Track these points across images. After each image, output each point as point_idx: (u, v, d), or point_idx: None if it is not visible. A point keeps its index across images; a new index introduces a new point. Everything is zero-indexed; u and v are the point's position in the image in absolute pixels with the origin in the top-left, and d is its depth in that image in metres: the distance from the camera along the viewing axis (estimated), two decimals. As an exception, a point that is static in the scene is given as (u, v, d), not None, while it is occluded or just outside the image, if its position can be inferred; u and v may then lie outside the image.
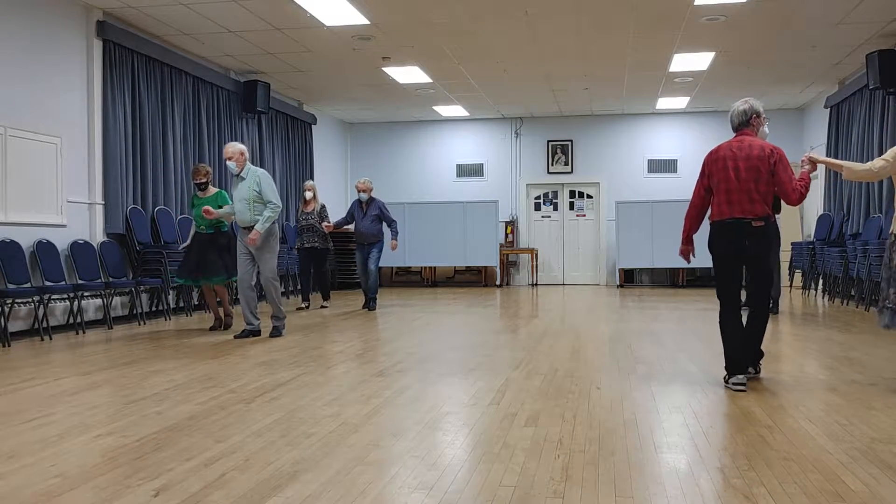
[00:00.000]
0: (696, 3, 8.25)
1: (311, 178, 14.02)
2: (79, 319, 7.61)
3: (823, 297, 11.11)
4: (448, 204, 14.97)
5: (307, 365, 5.51)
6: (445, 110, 14.78)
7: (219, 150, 10.67)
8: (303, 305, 10.13)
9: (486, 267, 15.34)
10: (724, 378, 4.67)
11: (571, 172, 15.61)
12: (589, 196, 15.75)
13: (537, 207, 15.92)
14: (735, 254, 4.64)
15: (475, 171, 15.91)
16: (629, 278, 15.12)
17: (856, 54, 10.31)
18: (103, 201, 8.54)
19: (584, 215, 15.78)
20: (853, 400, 4.19)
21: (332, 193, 14.77)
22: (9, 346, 6.63)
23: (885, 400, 4.20)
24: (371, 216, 9.90)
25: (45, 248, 7.49)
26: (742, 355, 4.63)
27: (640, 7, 8.45)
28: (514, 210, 15.71)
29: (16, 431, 3.64)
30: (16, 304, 7.11)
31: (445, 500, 2.65)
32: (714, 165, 4.73)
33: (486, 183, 15.81)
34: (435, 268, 15.45)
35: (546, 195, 15.90)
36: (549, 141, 15.63)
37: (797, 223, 13.84)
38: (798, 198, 4.57)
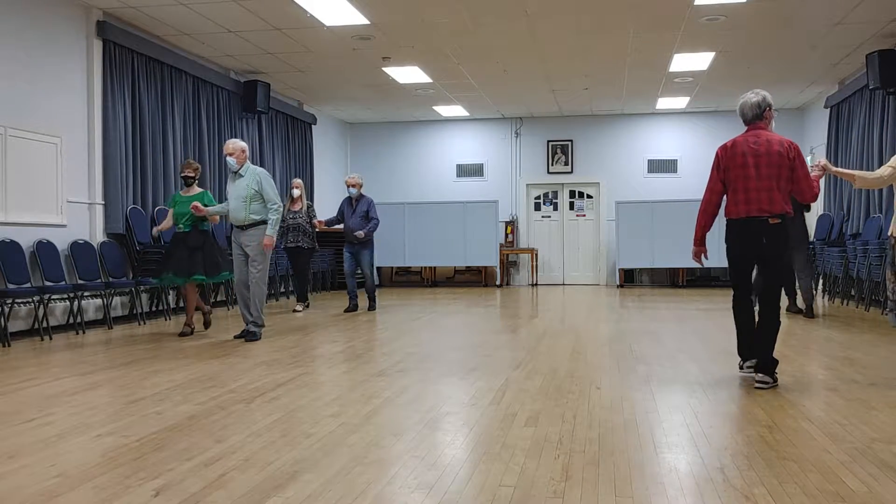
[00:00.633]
0: (696, 3, 8.25)
1: (311, 178, 14.03)
2: (79, 319, 7.61)
3: (823, 297, 11.11)
4: (448, 204, 14.97)
5: (307, 365, 5.51)
6: (445, 110, 14.78)
7: (219, 150, 10.67)
8: (299, 308, 9.78)
9: (486, 267, 15.34)
10: (739, 364, 4.85)
11: (571, 172, 15.61)
12: (589, 196, 15.75)
13: (537, 207, 15.92)
14: (751, 251, 4.64)
15: (475, 171, 15.91)
16: (629, 278, 15.12)
17: (856, 54, 10.31)
18: (103, 201, 8.54)
19: (584, 215, 15.78)
20: (853, 400, 4.19)
21: (331, 193, 14.76)
22: (9, 346, 6.63)
23: (885, 400, 4.20)
24: (360, 213, 9.64)
25: (45, 248, 7.49)
26: (752, 340, 4.70)
27: (640, 7, 8.45)
28: (514, 210, 15.71)
29: (16, 431, 3.64)
30: (16, 304, 7.11)
31: (445, 500, 2.65)
32: (732, 161, 4.63)
33: (486, 183, 15.81)
34: (435, 268, 15.45)
35: (546, 195, 15.90)
36: (549, 141, 15.63)
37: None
38: (813, 196, 4.59)
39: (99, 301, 8.11)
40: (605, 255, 15.48)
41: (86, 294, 7.87)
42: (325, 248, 13.20)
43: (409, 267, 15.55)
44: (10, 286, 6.93)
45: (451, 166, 15.97)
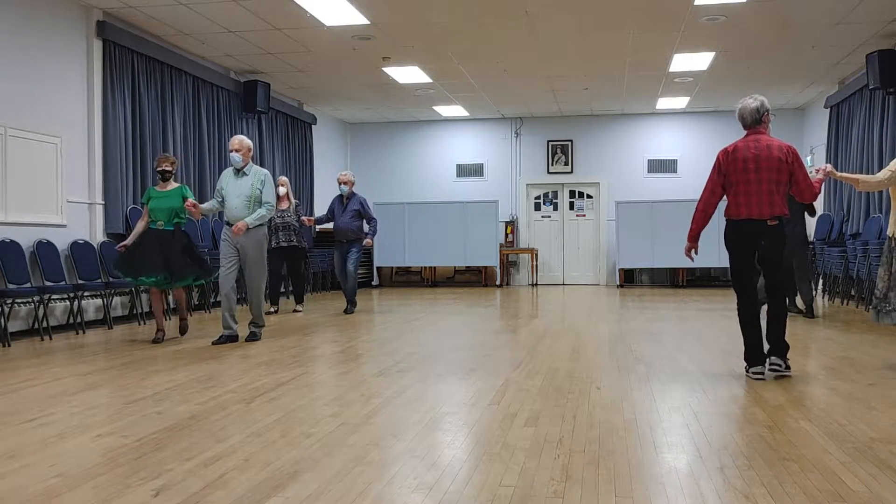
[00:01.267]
0: (696, 3, 8.26)
1: (311, 178, 14.03)
2: (79, 319, 7.61)
3: (823, 297, 11.11)
4: (448, 204, 14.97)
5: (307, 365, 5.51)
6: (445, 110, 14.78)
7: (219, 150, 10.67)
8: (272, 310, 9.36)
9: (486, 267, 15.35)
10: (745, 368, 4.89)
11: (571, 172, 15.61)
12: (589, 196, 15.75)
13: (537, 207, 15.92)
14: (750, 250, 4.80)
15: (475, 171, 15.91)
16: (629, 278, 15.12)
17: (856, 54, 10.31)
18: (103, 201, 8.54)
19: (584, 215, 15.78)
20: (853, 400, 4.19)
21: (331, 193, 14.62)
22: (9, 346, 6.63)
23: (885, 400, 4.20)
24: (351, 211, 9.30)
25: (45, 248, 7.50)
26: (760, 347, 4.80)
27: (640, 7, 8.45)
28: (514, 210, 15.71)
29: (16, 431, 3.64)
30: (16, 304, 7.11)
31: (445, 500, 2.65)
32: (733, 165, 4.77)
33: (486, 183, 15.81)
34: (435, 268, 15.45)
35: (546, 195, 15.90)
36: (549, 141, 15.63)
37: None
38: (812, 196, 4.77)
39: (99, 301, 8.11)
40: (605, 255, 15.49)
41: (86, 294, 7.87)
42: (330, 247, 13.13)
43: (409, 267, 15.55)
44: (10, 286, 6.93)
45: (451, 166, 15.97)
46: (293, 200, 9.77)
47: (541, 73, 11.57)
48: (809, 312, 8.42)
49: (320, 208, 13.15)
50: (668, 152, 15.27)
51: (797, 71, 11.50)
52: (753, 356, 4.83)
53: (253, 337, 6.80)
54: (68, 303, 7.73)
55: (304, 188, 13.74)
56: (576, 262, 15.81)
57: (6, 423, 3.82)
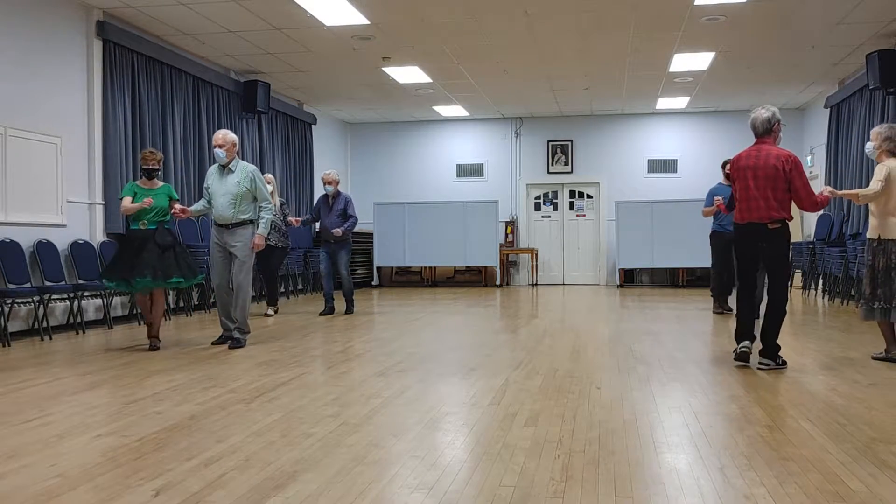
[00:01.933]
0: (696, 3, 8.26)
1: (311, 178, 14.02)
2: (79, 319, 7.61)
3: (823, 297, 11.11)
4: (448, 204, 14.97)
5: (307, 365, 5.51)
6: (445, 110, 14.78)
7: (219, 150, 10.65)
8: (269, 311, 9.22)
9: (486, 267, 15.34)
10: (733, 349, 5.28)
11: (571, 172, 15.61)
12: (589, 196, 15.75)
13: (537, 207, 15.92)
14: (750, 251, 5.21)
15: (475, 171, 15.91)
16: (629, 278, 15.12)
17: (856, 54, 10.31)
18: (103, 201, 8.54)
19: (584, 215, 15.78)
20: (853, 400, 4.19)
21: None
22: (9, 346, 6.63)
23: (885, 400, 4.20)
24: (337, 211, 9.12)
25: (45, 248, 7.49)
26: (748, 326, 5.23)
27: (640, 7, 8.45)
28: (514, 210, 15.71)
29: (16, 431, 3.64)
30: (16, 304, 7.10)
31: (445, 500, 2.65)
32: (736, 173, 5.22)
33: (486, 183, 15.81)
34: (435, 268, 15.45)
35: (546, 195, 15.90)
36: (549, 141, 15.63)
37: (797, 223, 13.84)
38: (811, 204, 5.10)
39: (99, 301, 8.11)
40: (605, 255, 15.48)
41: (86, 294, 7.87)
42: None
43: (409, 267, 15.55)
44: (10, 286, 6.93)
45: (451, 166, 15.97)
46: (279, 199, 9.44)
47: (541, 73, 11.57)
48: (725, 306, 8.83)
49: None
50: (668, 152, 15.27)
51: (797, 71, 11.50)
52: (739, 335, 5.25)
53: (237, 344, 6.41)
54: (68, 303, 7.73)
55: (304, 188, 13.74)
56: (576, 262, 15.81)
57: (6, 423, 3.81)
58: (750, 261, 5.25)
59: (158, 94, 9.47)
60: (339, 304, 9.60)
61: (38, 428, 3.70)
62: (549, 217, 15.89)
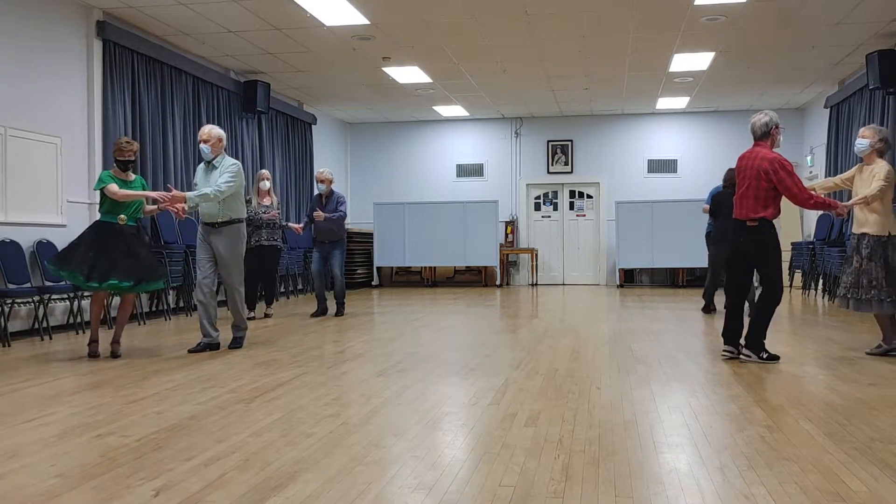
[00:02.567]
0: (696, 3, 8.26)
1: (312, 178, 14.01)
2: (78, 319, 7.61)
3: (823, 297, 11.11)
4: (448, 204, 14.97)
5: (307, 365, 5.51)
6: (445, 110, 14.78)
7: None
8: (270, 312, 9.05)
9: (486, 267, 15.34)
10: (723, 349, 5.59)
11: (571, 172, 15.61)
12: (589, 196, 15.75)
13: (537, 207, 15.92)
14: (736, 247, 5.48)
15: (475, 171, 15.91)
16: (629, 278, 15.12)
17: (856, 54, 10.31)
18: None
19: (584, 215, 15.78)
20: (853, 400, 4.19)
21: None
22: (9, 346, 6.63)
23: (885, 400, 4.20)
24: (331, 210, 8.95)
25: (45, 248, 7.49)
26: (732, 330, 5.49)
27: (640, 7, 8.45)
28: (514, 210, 15.71)
29: (16, 431, 3.64)
30: (16, 304, 7.11)
31: (445, 500, 2.65)
32: (737, 173, 5.55)
33: (486, 183, 15.81)
34: (435, 268, 15.45)
35: (546, 195, 15.90)
36: (549, 141, 15.63)
37: (797, 223, 13.84)
38: (805, 200, 5.29)
39: (99, 301, 8.10)
40: (605, 255, 15.48)
41: (86, 294, 7.86)
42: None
43: (410, 267, 15.55)
44: (10, 286, 6.93)
45: (451, 166, 15.97)
46: (275, 197, 9.28)
47: (541, 73, 11.57)
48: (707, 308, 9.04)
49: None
50: (668, 152, 15.27)
51: (797, 71, 11.50)
52: (725, 335, 5.53)
53: (236, 343, 6.32)
54: (68, 303, 7.73)
55: (303, 188, 13.74)
56: (576, 262, 15.81)
57: (6, 423, 3.81)
58: (737, 257, 5.51)
59: (158, 94, 9.47)
60: (332, 307, 9.53)
61: (38, 428, 3.70)
62: (549, 217, 15.89)
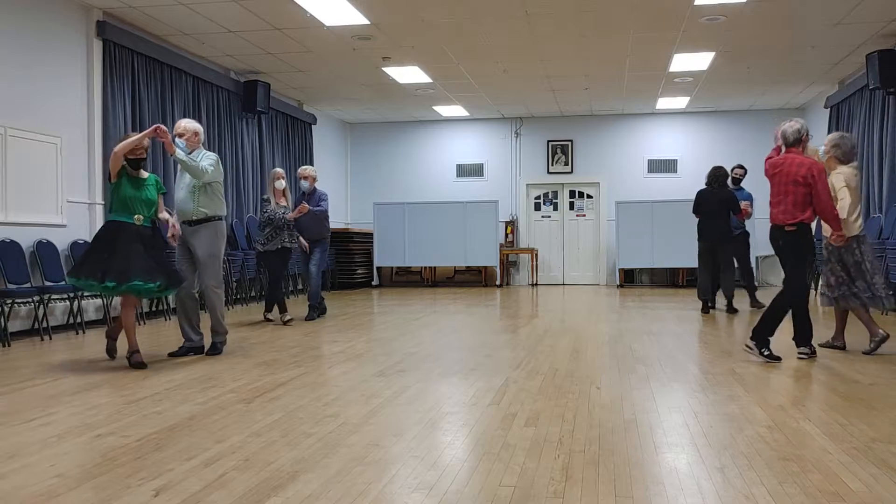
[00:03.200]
0: (696, 3, 8.26)
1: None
2: (79, 319, 7.61)
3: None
4: (448, 204, 14.96)
5: (307, 365, 5.51)
6: (445, 110, 14.78)
7: (219, 151, 10.66)
8: (289, 317, 8.44)
9: (486, 267, 15.34)
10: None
11: (571, 172, 15.61)
12: (589, 196, 15.75)
13: (537, 207, 15.92)
14: (776, 250, 5.64)
15: (475, 171, 15.91)
16: (629, 278, 15.12)
17: (856, 54, 10.31)
18: (103, 201, 8.53)
19: (584, 215, 15.78)
20: (853, 400, 4.20)
21: (332, 194, 14.73)
22: (9, 346, 6.63)
23: (885, 400, 4.20)
24: (313, 206, 8.67)
25: (45, 248, 7.50)
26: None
27: (640, 7, 8.45)
28: (514, 210, 15.71)
29: (16, 431, 3.64)
30: (16, 304, 7.11)
31: (445, 500, 2.65)
32: (770, 178, 5.66)
33: (486, 183, 15.81)
34: (435, 268, 15.45)
35: (546, 195, 15.90)
36: (549, 141, 15.63)
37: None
38: (831, 216, 5.46)
39: (99, 301, 8.11)
40: (605, 255, 15.48)
41: (86, 294, 7.87)
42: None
43: (410, 267, 15.55)
44: (10, 286, 6.93)
45: (451, 166, 15.97)
46: (291, 196, 9.07)
47: (541, 73, 11.57)
48: (731, 309, 9.07)
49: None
50: (668, 152, 15.27)
51: (797, 71, 11.50)
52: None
53: (214, 350, 5.99)
54: (68, 303, 7.73)
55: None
56: (576, 262, 15.81)
57: (6, 423, 3.81)
58: (779, 256, 5.64)
59: (158, 94, 9.47)
60: (332, 306, 9.54)
61: (38, 428, 3.70)
62: (549, 217, 15.89)
